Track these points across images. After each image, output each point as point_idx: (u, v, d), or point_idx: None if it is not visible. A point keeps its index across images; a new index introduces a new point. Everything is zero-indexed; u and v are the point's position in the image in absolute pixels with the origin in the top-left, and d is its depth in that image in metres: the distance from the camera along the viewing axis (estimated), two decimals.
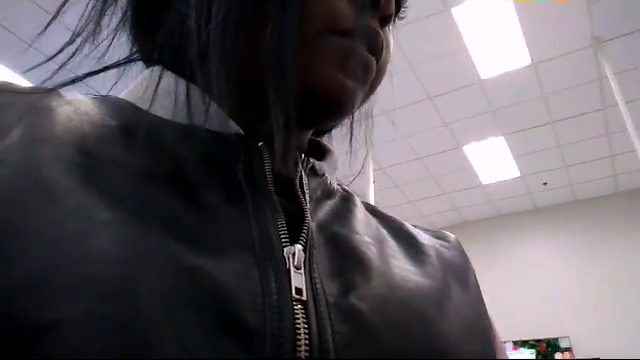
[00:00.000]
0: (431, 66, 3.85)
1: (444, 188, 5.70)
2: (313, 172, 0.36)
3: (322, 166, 0.37)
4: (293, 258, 0.27)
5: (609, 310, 5.15)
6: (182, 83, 0.31)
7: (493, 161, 5.17)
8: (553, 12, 3.38)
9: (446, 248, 0.40)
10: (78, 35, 0.32)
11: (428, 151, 4.97)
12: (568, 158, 5.09)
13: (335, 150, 0.41)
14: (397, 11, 0.41)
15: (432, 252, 0.38)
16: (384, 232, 0.38)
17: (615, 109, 3.83)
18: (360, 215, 0.37)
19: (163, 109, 0.31)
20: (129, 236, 0.22)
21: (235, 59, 0.29)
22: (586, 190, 5.73)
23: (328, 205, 0.35)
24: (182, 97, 0.30)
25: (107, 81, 0.34)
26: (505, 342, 5.40)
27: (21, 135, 0.25)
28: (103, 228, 0.22)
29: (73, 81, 0.30)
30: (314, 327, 0.25)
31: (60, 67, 0.31)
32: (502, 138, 4.80)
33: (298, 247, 0.27)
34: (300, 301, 0.25)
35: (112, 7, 0.34)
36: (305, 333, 0.24)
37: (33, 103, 0.27)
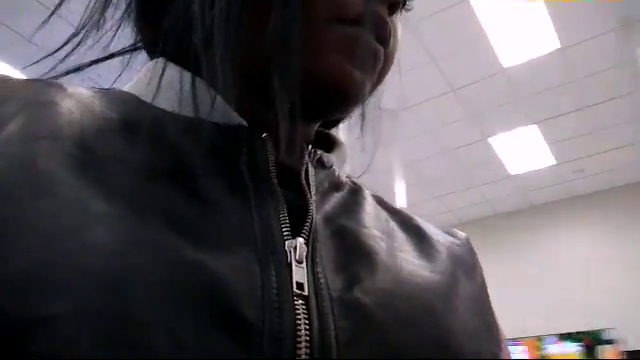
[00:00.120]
0: (453, 58, 3.79)
1: (472, 181, 5.60)
2: (320, 164, 0.35)
3: (330, 158, 0.36)
4: (295, 252, 0.26)
5: None
6: (187, 74, 0.31)
7: (523, 151, 5.04)
8: None
9: (457, 245, 0.39)
10: (83, 27, 0.32)
11: (454, 144, 4.89)
12: (603, 144, 4.93)
13: (344, 143, 0.39)
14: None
15: (441, 247, 0.37)
16: (394, 225, 0.37)
17: None
18: (369, 208, 0.36)
19: (167, 101, 0.31)
20: (127, 229, 0.22)
21: (239, 44, 0.29)
22: (625, 176, 5.53)
23: (336, 198, 0.34)
24: (187, 88, 0.30)
25: (111, 74, 0.34)
26: (549, 335, 5.26)
27: (20, 128, 0.24)
28: (100, 221, 0.22)
29: (78, 69, 0.30)
30: (315, 323, 0.24)
31: (64, 59, 0.31)
32: (535, 126, 4.68)
33: (300, 240, 0.27)
34: (301, 296, 0.25)
35: None
36: (306, 329, 0.23)
37: (35, 96, 0.27)
